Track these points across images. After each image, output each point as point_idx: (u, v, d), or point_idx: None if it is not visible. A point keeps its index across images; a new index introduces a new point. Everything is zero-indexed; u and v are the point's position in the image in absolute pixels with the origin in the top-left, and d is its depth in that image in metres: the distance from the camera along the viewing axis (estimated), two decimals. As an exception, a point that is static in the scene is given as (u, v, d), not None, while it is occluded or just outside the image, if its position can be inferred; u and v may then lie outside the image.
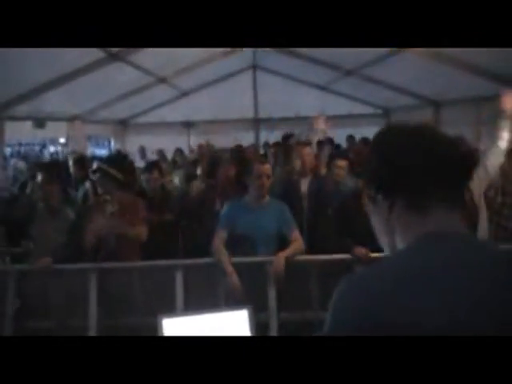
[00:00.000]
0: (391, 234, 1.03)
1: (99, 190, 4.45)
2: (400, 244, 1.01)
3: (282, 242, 3.58)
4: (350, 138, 9.13)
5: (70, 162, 6.57)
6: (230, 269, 3.36)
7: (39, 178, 4.76)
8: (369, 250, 3.37)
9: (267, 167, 3.73)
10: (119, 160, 5.01)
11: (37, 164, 7.42)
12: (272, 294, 3.39)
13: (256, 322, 2.35)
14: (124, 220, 3.72)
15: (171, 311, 2.92)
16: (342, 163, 4.91)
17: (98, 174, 4.28)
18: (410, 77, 7.06)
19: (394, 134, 1.07)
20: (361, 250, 3.42)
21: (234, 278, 3.33)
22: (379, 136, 1.09)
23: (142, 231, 3.77)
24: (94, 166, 5.13)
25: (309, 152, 4.72)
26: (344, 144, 8.98)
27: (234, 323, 2.34)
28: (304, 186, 4.61)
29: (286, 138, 7.80)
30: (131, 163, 6.13)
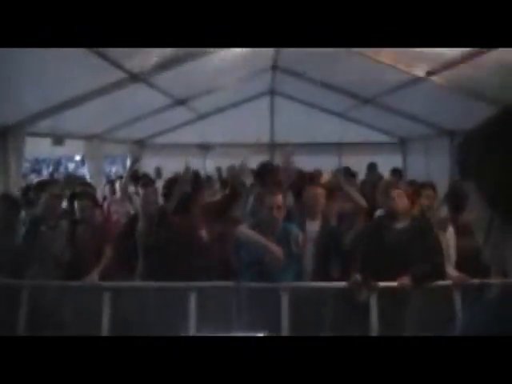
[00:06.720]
0: None
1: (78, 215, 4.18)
2: None
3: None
4: (372, 166, 8.39)
5: None
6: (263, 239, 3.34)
7: None
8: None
9: (279, 198, 3.38)
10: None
11: None
12: (285, 320, 3.34)
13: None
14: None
15: (184, 331, 2.89)
16: (431, 192, 4.34)
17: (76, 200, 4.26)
18: (427, 106, 7.06)
19: None
20: (463, 278, 3.56)
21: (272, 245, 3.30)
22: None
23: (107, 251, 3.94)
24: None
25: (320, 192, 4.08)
26: (363, 173, 8.29)
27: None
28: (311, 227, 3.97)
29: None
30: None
